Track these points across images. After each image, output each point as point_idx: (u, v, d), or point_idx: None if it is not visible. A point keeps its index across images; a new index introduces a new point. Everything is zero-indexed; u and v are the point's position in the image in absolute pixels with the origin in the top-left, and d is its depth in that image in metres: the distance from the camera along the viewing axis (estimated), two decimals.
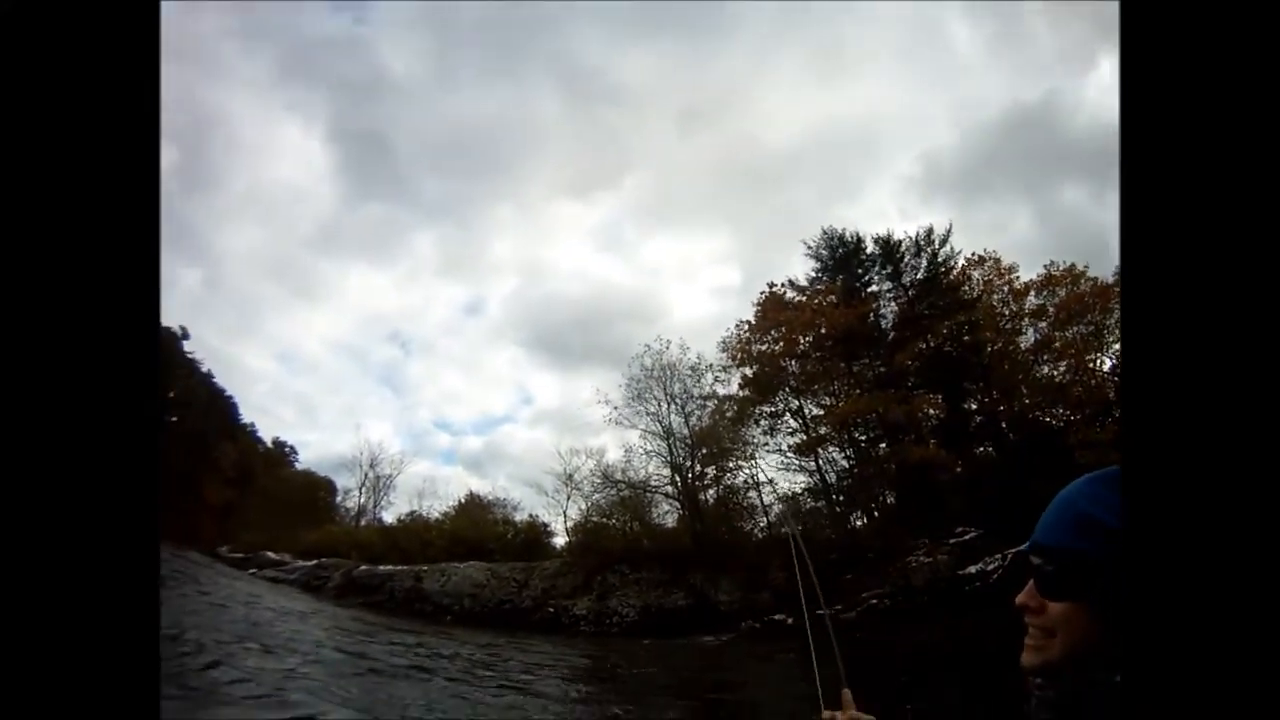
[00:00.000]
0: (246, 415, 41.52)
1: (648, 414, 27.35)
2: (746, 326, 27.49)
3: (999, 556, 18.21)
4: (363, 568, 26.09)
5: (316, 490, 40.43)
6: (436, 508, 35.03)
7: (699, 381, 27.69)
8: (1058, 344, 23.48)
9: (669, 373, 27.51)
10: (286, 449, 45.23)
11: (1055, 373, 23.71)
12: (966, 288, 25.81)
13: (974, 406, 25.47)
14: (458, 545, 28.01)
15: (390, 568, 25.84)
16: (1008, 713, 1.13)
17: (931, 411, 24.90)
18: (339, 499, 40.48)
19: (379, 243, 79.14)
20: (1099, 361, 22.50)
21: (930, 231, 27.25)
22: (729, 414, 27.10)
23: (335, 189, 79.92)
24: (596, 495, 27.42)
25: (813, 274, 28.92)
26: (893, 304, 27.53)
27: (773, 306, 27.48)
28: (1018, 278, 25.23)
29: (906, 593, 19.09)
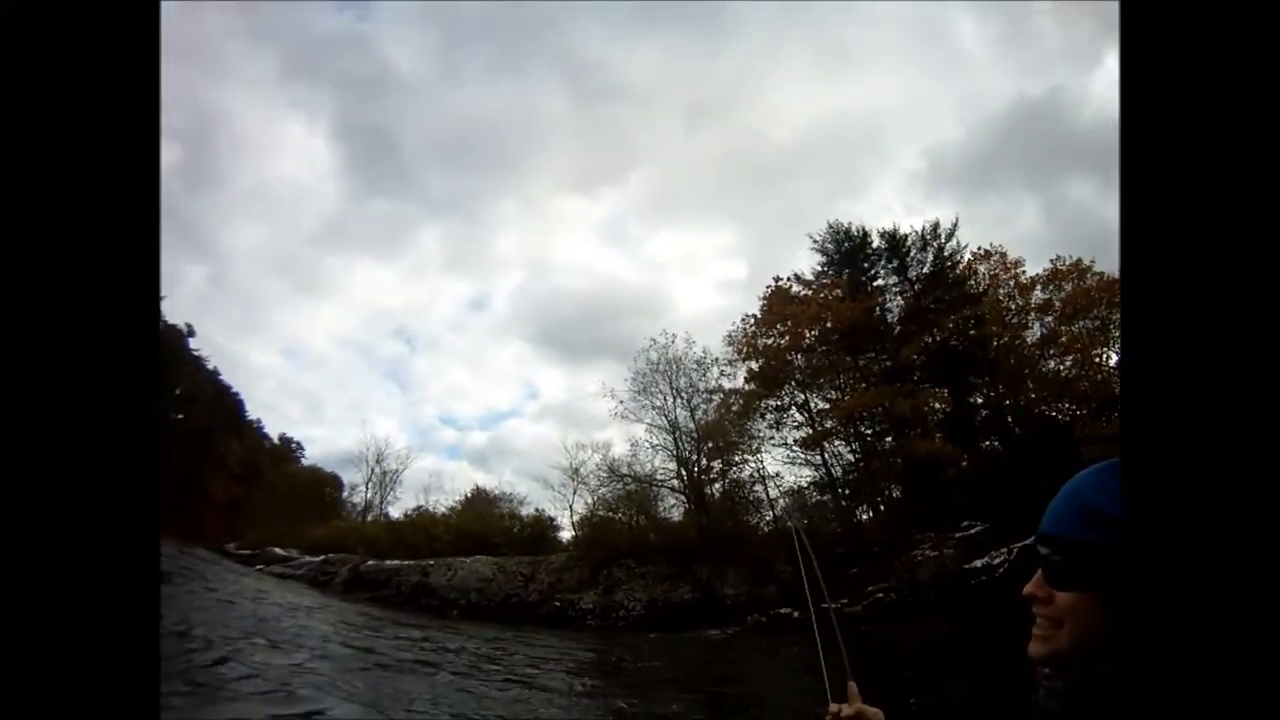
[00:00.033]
0: (252, 411, 41.71)
1: (653, 408, 27.40)
2: (752, 321, 27.51)
3: (1005, 550, 18.21)
4: (369, 563, 26.17)
5: (323, 486, 40.55)
6: (443, 503, 35.12)
7: (705, 375, 27.74)
8: (1064, 338, 23.43)
9: (675, 367, 27.57)
10: (293, 445, 45.40)
11: (1061, 367, 23.68)
12: (973, 282, 25.77)
13: (980, 401, 25.46)
14: (464, 540, 28.09)
15: (397, 563, 25.92)
16: (1013, 706, 1.13)
17: (937, 406, 24.87)
18: (345, 494, 40.54)
19: (384, 238, 79.32)
20: (1105, 356, 22.44)
21: (936, 226, 27.27)
22: (735, 408, 27.10)
23: (340, 185, 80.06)
24: (602, 489, 27.51)
25: (818, 268, 29.04)
26: (899, 298, 27.57)
27: (778, 301, 27.47)
28: (1024, 272, 25.19)
29: (912, 586, 19.10)
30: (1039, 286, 24.61)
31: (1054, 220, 46.99)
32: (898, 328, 26.63)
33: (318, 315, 70.96)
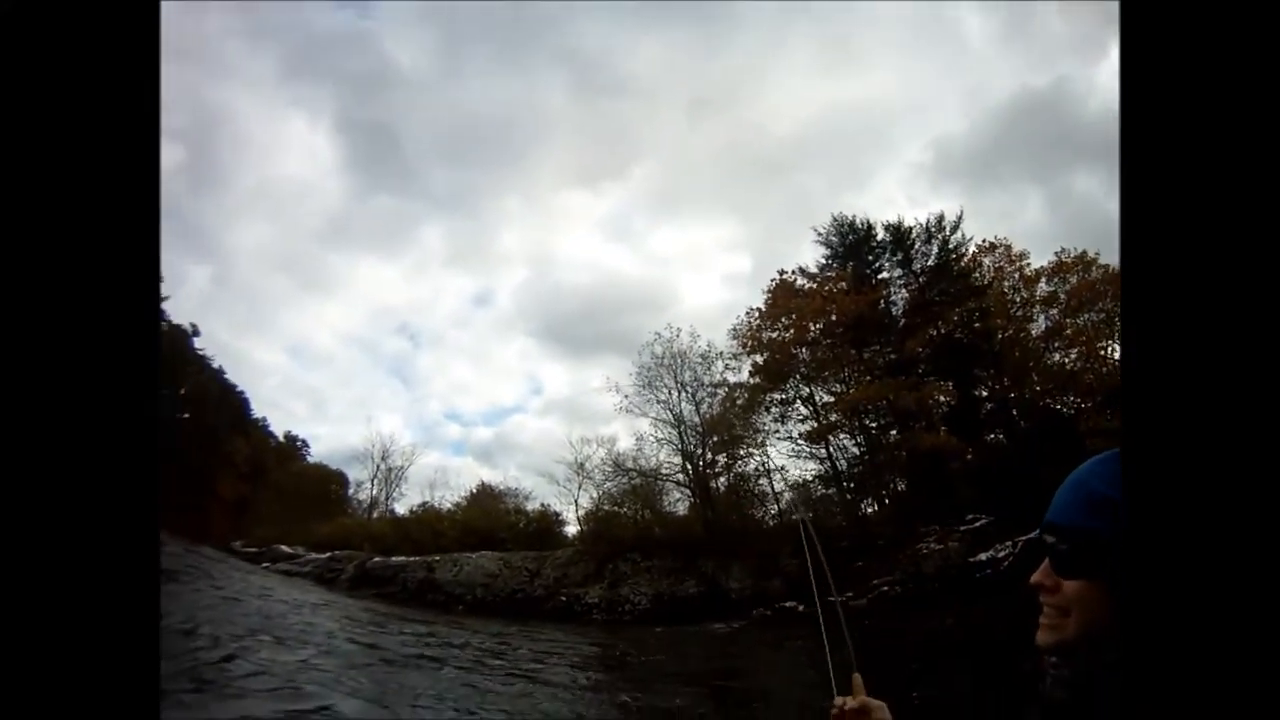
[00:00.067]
0: (258, 410, 41.78)
1: (658, 402, 27.42)
2: (757, 314, 27.49)
3: (1010, 543, 18.19)
4: (376, 559, 26.24)
5: (329, 483, 40.66)
6: (448, 498, 35.22)
7: (709, 369, 27.73)
8: (1069, 331, 23.35)
9: (679, 361, 27.57)
10: (298, 443, 45.56)
11: (1066, 360, 23.61)
12: (977, 275, 25.70)
13: (985, 393, 25.41)
14: (470, 535, 28.13)
15: (403, 559, 25.97)
16: (1018, 699, 1.14)
17: (942, 398, 24.85)
18: (351, 491, 40.73)
19: (387, 235, 79.27)
20: (1110, 349, 22.31)
21: (941, 218, 27.17)
22: (740, 401, 27.08)
23: (343, 183, 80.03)
24: (608, 484, 27.49)
25: (823, 261, 28.96)
26: (903, 291, 27.47)
27: (783, 294, 27.44)
28: (1028, 264, 25.12)
29: (917, 580, 19.08)
30: (1044, 279, 24.53)
31: (1059, 213, 46.77)
32: (902, 320, 26.54)
33: (322, 313, 71.08)
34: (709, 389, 27.60)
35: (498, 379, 69.42)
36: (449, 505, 33.99)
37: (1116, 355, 21.97)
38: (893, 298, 27.53)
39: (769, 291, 27.97)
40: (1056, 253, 24.55)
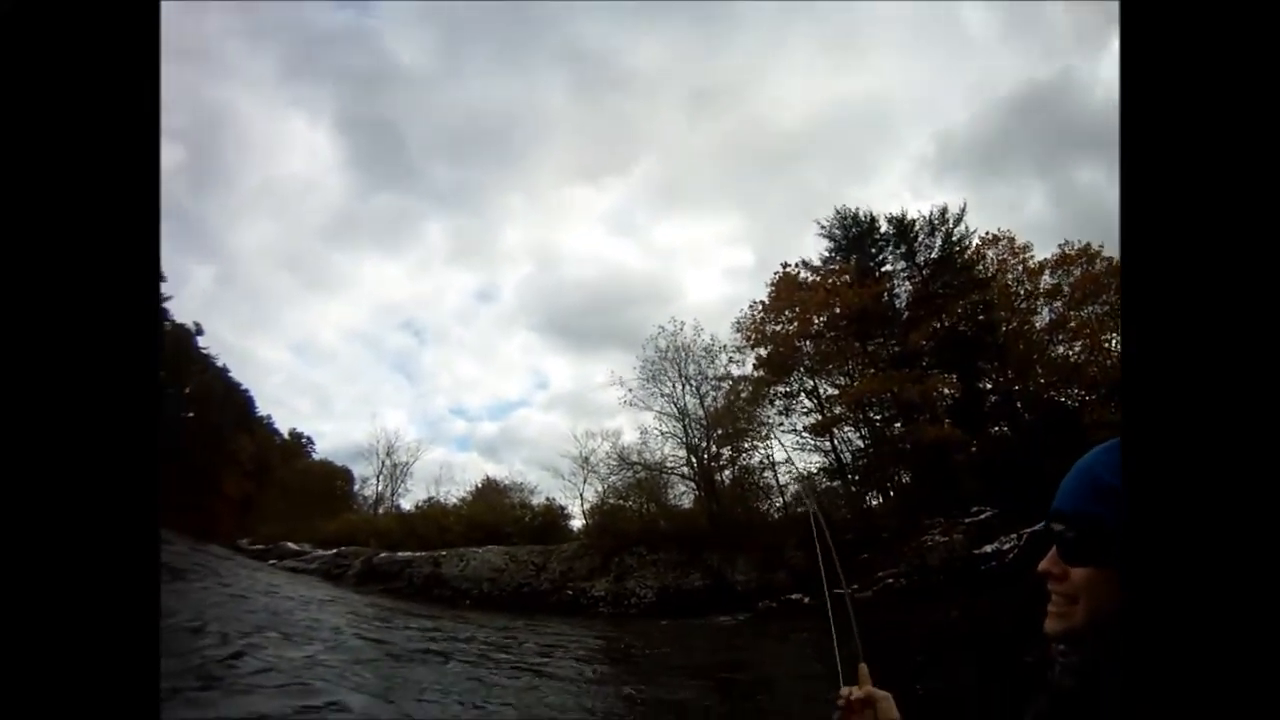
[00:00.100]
0: (263, 408, 41.83)
1: (662, 395, 27.39)
2: (760, 307, 27.37)
3: (1014, 536, 18.19)
4: (382, 555, 26.27)
5: (334, 480, 40.77)
6: (454, 493, 35.25)
7: (713, 363, 27.67)
8: (1073, 323, 23.31)
9: (683, 354, 27.50)
10: (303, 440, 45.62)
11: (1070, 352, 23.58)
12: (981, 267, 25.65)
13: (989, 386, 25.37)
14: (475, 530, 28.13)
15: (409, 554, 25.98)
16: (1023, 691, 1.14)
17: (946, 391, 24.77)
18: (357, 488, 40.76)
19: (390, 233, 79.25)
20: (1114, 341, 22.24)
21: (944, 210, 27.07)
22: (744, 394, 27.03)
23: (345, 181, 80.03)
24: (613, 477, 27.49)
25: (826, 254, 28.83)
26: (907, 283, 27.39)
27: (786, 287, 27.33)
28: (1032, 257, 25.09)
29: (922, 572, 19.09)
30: (1047, 271, 24.47)
31: (1062, 205, 46.66)
32: (906, 313, 26.50)
33: (326, 310, 71.20)
34: (713, 382, 27.60)
35: (502, 374, 69.62)
36: (454, 500, 34.06)
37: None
38: (896, 290, 27.49)
39: (772, 284, 27.85)
40: (1060, 245, 24.57)
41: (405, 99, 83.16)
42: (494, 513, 30.52)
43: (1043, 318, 24.50)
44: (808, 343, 26.51)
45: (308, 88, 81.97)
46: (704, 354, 27.59)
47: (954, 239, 26.67)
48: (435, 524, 29.56)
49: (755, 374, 27.23)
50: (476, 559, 24.82)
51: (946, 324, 25.10)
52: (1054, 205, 48.02)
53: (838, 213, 28.74)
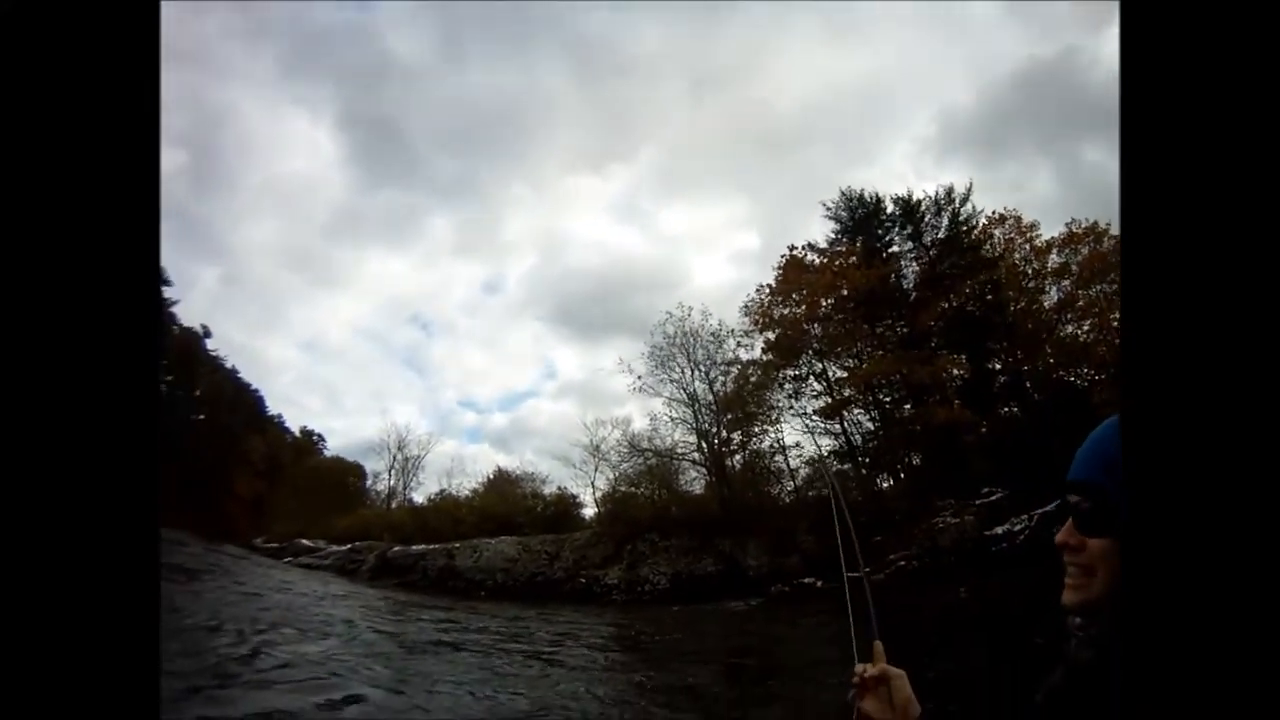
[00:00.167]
0: (273, 407, 42.27)
1: (672, 381, 27.40)
2: (768, 290, 27.32)
3: (1025, 517, 18.16)
4: (396, 549, 26.47)
5: (346, 476, 40.94)
6: (466, 485, 35.37)
7: (722, 347, 27.63)
8: (1081, 302, 23.09)
9: (692, 339, 27.48)
10: (314, 437, 45.97)
11: (1079, 332, 23.35)
12: (988, 246, 25.43)
13: (998, 366, 25.23)
14: (488, 521, 28.30)
15: (423, 547, 26.18)
16: (1034, 672, 1.14)
17: (955, 372, 24.71)
18: (369, 483, 40.90)
19: (395, 227, 78.97)
20: None
21: (950, 190, 26.86)
22: (753, 379, 27.05)
23: (348, 177, 79.89)
24: (624, 465, 27.59)
25: (832, 236, 28.72)
26: (914, 264, 27.25)
27: (793, 269, 27.25)
28: (1039, 236, 24.79)
29: (933, 554, 19.10)
30: (1055, 250, 24.22)
31: (1069, 183, 45.99)
32: (914, 294, 26.36)
33: (333, 307, 71.26)
34: (722, 367, 27.56)
35: (511, 365, 69.61)
36: (467, 492, 34.26)
37: None
38: (904, 271, 27.30)
39: (779, 268, 27.78)
40: (1067, 224, 24.26)
41: (406, 93, 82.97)
42: (506, 503, 30.67)
43: (1051, 297, 24.29)
44: (816, 325, 26.43)
45: (308, 85, 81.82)
46: (712, 339, 27.58)
47: (960, 219, 26.46)
48: (448, 516, 29.74)
49: (764, 358, 27.23)
50: (490, 550, 24.95)
51: (955, 304, 24.98)
52: (1060, 184, 47.46)
53: (843, 194, 28.62)
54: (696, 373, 27.36)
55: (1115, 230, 22.15)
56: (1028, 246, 24.82)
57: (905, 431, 24.87)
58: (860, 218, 28.18)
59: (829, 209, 28.72)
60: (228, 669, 8.92)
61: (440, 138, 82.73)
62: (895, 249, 27.69)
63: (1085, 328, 23.18)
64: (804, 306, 26.43)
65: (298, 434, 44.65)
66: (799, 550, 20.49)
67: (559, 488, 31.61)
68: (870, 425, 26.52)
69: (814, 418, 26.58)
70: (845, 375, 26.36)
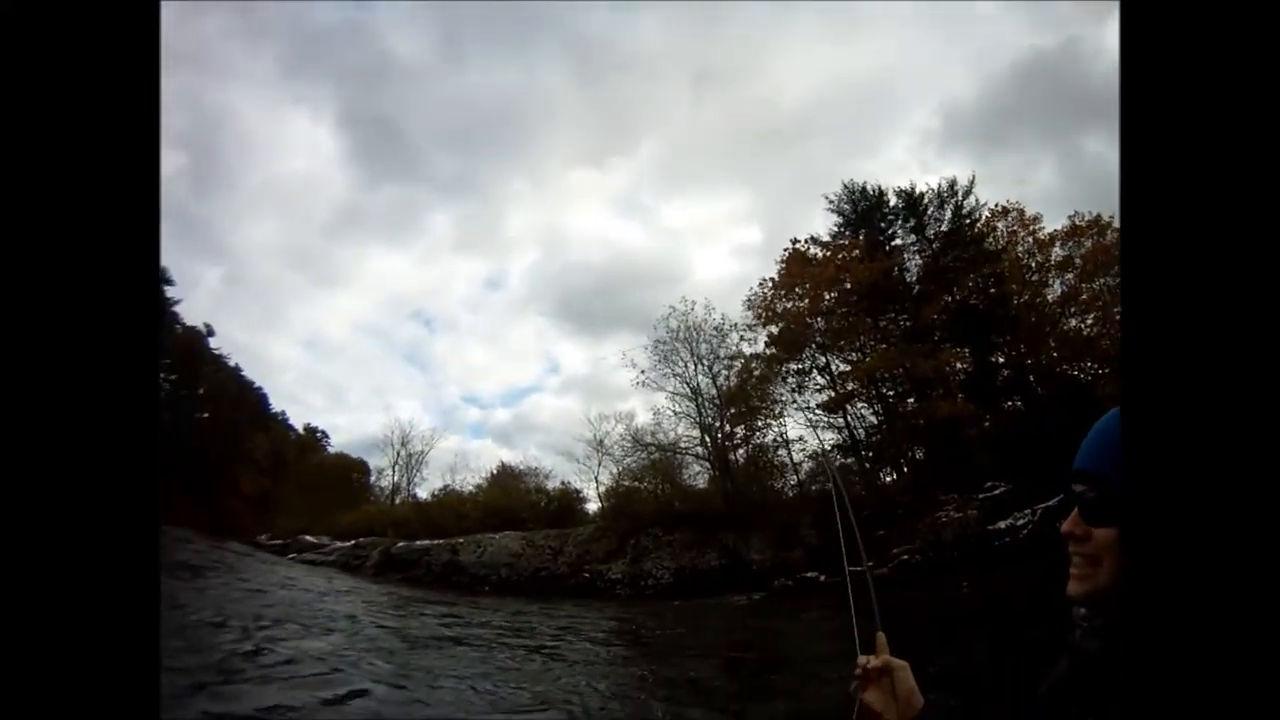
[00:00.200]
0: (277, 404, 42.30)
1: (675, 376, 27.35)
2: (770, 284, 27.29)
3: (1028, 511, 18.16)
4: (400, 544, 26.47)
5: (350, 472, 40.94)
6: (469, 481, 35.39)
7: (725, 341, 27.60)
8: (1085, 296, 23.07)
9: (695, 333, 27.43)
10: (318, 434, 45.91)
11: (1083, 325, 23.34)
12: (991, 239, 25.35)
13: (1001, 360, 25.19)
14: (492, 516, 28.33)
15: (427, 542, 26.17)
16: (1037, 667, 1.14)
17: (959, 365, 24.68)
18: (373, 479, 40.90)
19: (396, 225, 78.68)
20: None
21: (953, 183, 26.75)
22: (756, 373, 27.05)
23: (349, 175, 79.49)
24: (627, 459, 27.58)
25: (835, 229, 28.65)
26: (917, 257, 27.15)
27: (796, 263, 27.21)
28: (1043, 229, 24.77)
29: (937, 548, 19.10)
30: (1058, 243, 24.21)
31: (1072, 175, 45.74)
32: (917, 287, 26.28)
33: (335, 305, 71.03)
34: (725, 361, 27.53)
35: (514, 360, 69.47)
36: (470, 488, 34.29)
37: None
38: (907, 264, 27.22)
39: (782, 261, 27.75)
40: (1070, 216, 24.27)
41: (406, 91, 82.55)
42: (510, 498, 30.72)
43: (1055, 290, 24.27)
44: (819, 319, 26.42)
45: (308, 84, 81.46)
46: (715, 333, 27.54)
47: (963, 212, 26.36)
48: (452, 512, 29.77)
49: (767, 352, 27.21)
50: (494, 545, 24.97)
51: (958, 298, 24.93)
52: (1063, 176, 47.23)
53: (846, 187, 28.52)
54: (700, 367, 27.37)
55: (1119, 223, 22.13)
56: (1031, 239, 24.80)
57: (908, 425, 24.86)
58: (863, 211, 28.11)
59: (831, 202, 28.69)
60: (232, 665, 8.97)
61: (440, 135, 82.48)
62: (898, 242, 27.61)
63: (1089, 321, 23.16)
64: (807, 300, 26.41)
65: (301, 431, 44.68)
66: (802, 544, 20.49)
67: (562, 483, 31.73)
68: (873, 419, 26.58)
69: (817, 412, 26.64)
70: (848, 369, 26.40)
